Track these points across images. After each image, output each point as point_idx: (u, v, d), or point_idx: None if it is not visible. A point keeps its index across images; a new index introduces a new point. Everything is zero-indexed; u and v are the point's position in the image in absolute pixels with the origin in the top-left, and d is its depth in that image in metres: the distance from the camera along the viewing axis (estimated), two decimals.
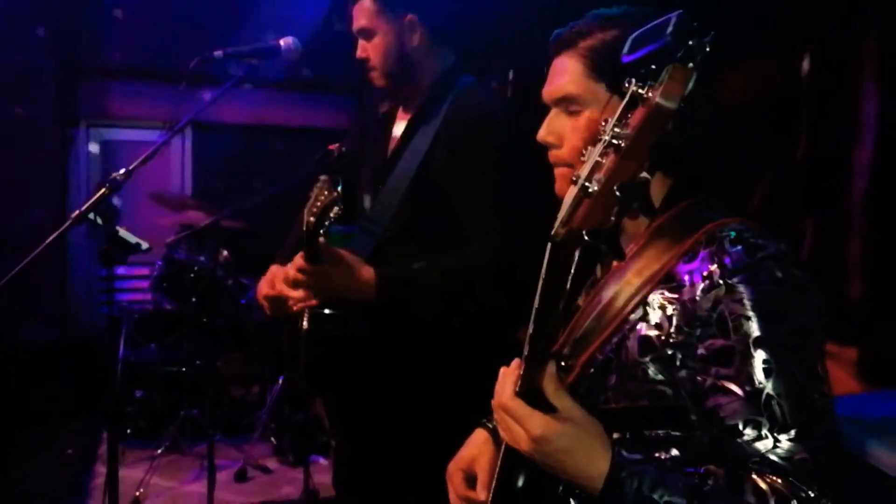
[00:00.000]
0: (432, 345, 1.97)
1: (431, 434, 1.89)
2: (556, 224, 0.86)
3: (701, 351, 1.04)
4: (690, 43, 0.74)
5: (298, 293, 1.87)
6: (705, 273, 1.04)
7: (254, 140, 4.97)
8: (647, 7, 1.21)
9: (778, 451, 0.97)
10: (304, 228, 1.75)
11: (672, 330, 1.07)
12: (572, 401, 1.01)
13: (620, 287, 1.14)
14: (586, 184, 0.79)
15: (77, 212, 2.00)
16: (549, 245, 0.88)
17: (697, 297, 1.04)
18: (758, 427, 0.98)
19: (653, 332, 1.09)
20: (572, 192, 0.84)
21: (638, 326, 1.11)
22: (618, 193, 0.77)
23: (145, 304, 4.45)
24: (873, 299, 2.00)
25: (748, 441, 0.99)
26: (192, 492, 3.68)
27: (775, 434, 0.97)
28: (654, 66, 0.77)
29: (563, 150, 1.19)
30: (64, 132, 4.55)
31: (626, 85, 0.78)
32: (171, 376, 4.09)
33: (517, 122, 2.11)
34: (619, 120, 0.79)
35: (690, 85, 0.76)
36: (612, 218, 0.78)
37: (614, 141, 0.77)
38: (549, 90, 1.21)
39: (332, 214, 1.73)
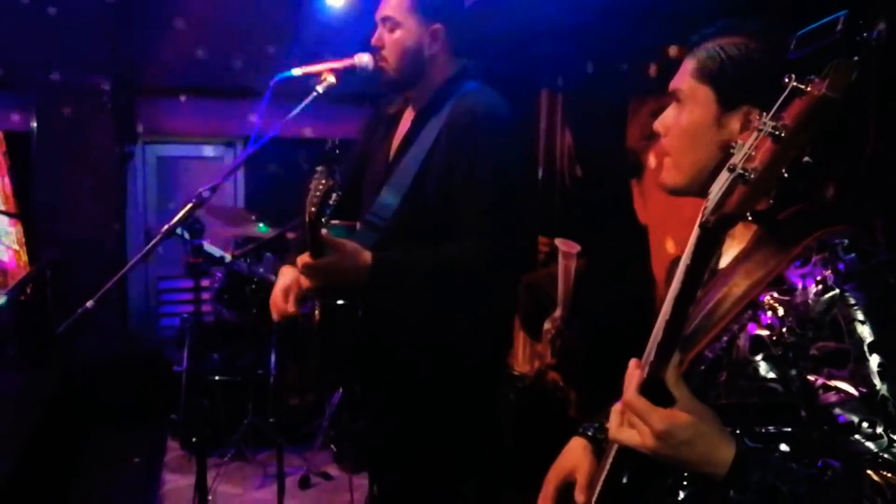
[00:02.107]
0: (434, 333, 2.06)
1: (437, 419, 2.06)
2: (706, 212, 0.91)
3: (813, 352, 1.08)
4: (857, 40, 0.80)
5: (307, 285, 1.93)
6: (819, 278, 1.08)
7: (302, 153, 5.06)
8: (771, 21, 1.26)
9: (893, 450, 1.00)
10: (307, 219, 1.79)
11: (784, 330, 1.11)
12: (690, 392, 1.06)
13: (729, 289, 1.19)
14: (742, 171, 0.83)
15: (167, 226, 2.08)
16: (697, 232, 0.92)
17: (810, 301, 1.08)
18: (873, 426, 1.02)
19: (764, 332, 1.14)
20: (722, 181, 0.88)
21: (749, 326, 1.16)
22: (785, 174, 0.81)
23: (205, 315, 4.55)
24: None
25: (862, 439, 1.02)
26: (259, 498, 3.76)
27: (890, 434, 1.01)
28: (818, 62, 0.82)
29: (665, 140, 1.27)
30: (123, 149, 4.67)
31: (787, 80, 0.83)
32: (233, 386, 4.18)
33: (521, 126, 2.17)
34: (775, 113, 0.85)
35: (853, 77, 0.81)
36: (771, 201, 0.84)
37: (772, 131, 0.82)
38: (671, 83, 1.28)
39: (331, 202, 1.77)
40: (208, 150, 5.10)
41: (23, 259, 4.42)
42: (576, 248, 3.80)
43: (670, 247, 3.11)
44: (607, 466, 1.27)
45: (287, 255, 2.39)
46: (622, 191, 3.43)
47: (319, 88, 2.15)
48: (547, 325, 4.01)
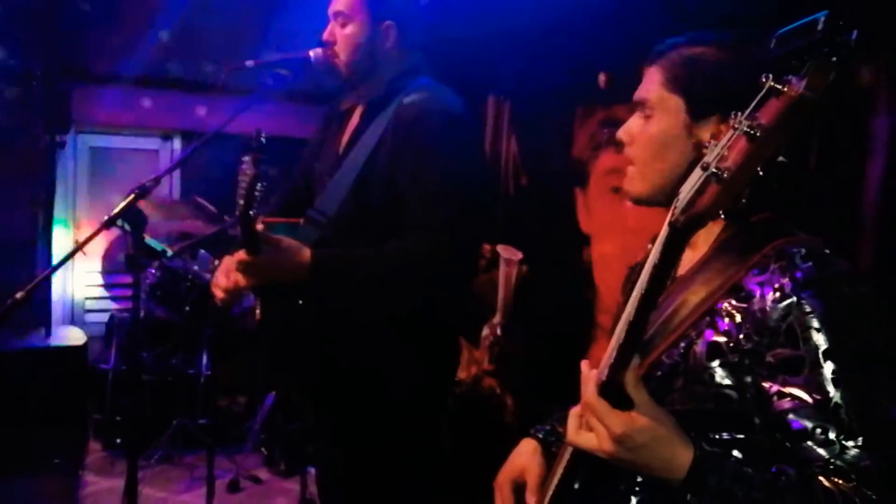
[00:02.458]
0: (371, 330, 2.00)
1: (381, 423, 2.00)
2: (676, 212, 0.90)
3: (769, 359, 1.09)
4: (838, 40, 0.80)
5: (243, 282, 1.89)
6: (776, 285, 1.10)
7: (242, 151, 4.93)
8: (733, 30, 1.27)
9: (844, 457, 1.01)
10: (237, 213, 1.76)
11: (741, 337, 1.12)
12: (649, 396, 1.05)
13: (687, 295, 1.19)
14: (716, 170, 0.83)
15: (107, 217, 1.99)
16: (666, 231, 0.92)
17: (768, 308, 1.09)
18: (825, 433, 1.03)
19: (721, 339, 1.15)
20: (694, 180, 0.88)
21: (706, 333, 1.17)
22: (760, 172, 0.81)
23: (128, 311, 4.40)
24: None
25: (815, 446, 1.03)
26: (185, 502, 3.64)
27: (842, 441, 1.02)
28: (795, 62, 0.82)
29: (630, 149, 1.27)
30: (53, 137, 4.49)
31: (763, 80, 0.83)
32: (162, 386, 4.05)
33: (474, 123, 2.16)
34: (750, 112, 0.84)
35: (832, 78, 0.82)
36: (744, 201, 0.84)
37: (748, 130, 0.82)
38: (635, 93, 1.28)
39: (256, 192, 1.72)
40: (145, 143, 4.94)
41: None
42: (518, 255, 3.81)
43: (616, 249, 3.15)
44: (560, 471, 1.27)
45: (230, 251, 2.33)
46: (566, 199, 3.46)
47: (271, 80, 2.10)
48: (485, 332, 4.01)
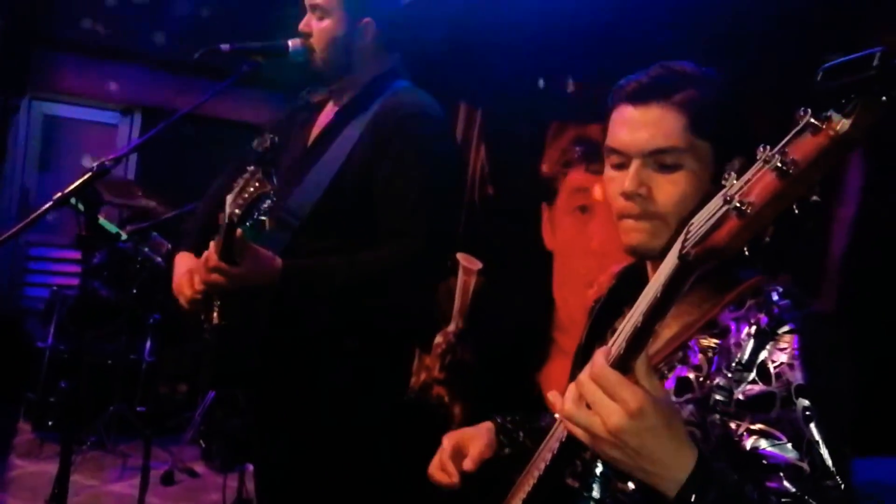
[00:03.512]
0: (336, 337, 1.97)
1: (336, 428, 1.95)
2: (687, 243, 0.85)
3: (738, 396, 1.06)
4: (890, 78, 0.75)
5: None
6: (752, 321, 1.08)
7: (204, 132, 4.83)
8: (715, 70, 1.24)
9: (823, 495, 0.99)
10: (227, 220, 1.72)
11: (713, 372, 1.10)
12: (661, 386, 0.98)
13: (660, 330, 1.16)
14: (740, 204, 0.78)
15: (60, 193, 1.89)
16: (675, 264, 0.87)
17: (742, 342, 1.08)
18: (799, 472, 1.00)
19: (692, 374, 1.13)
20: (710, 211, 0.83)
21: (677, 369, 1.14)
22: (796, 211, 0.77)
23: (71, 289, 4.25)
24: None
25: (786, 480, 1.00)
26: (116, 492, 3.52)
27: (819, 480, 0.99)
28: (844, 100, 0.77)
29: (654, 206, 1.17)
30: (7, 100, 4.31)
31: (801, 115, 0.77)
32: (101, 369, 3.91)
33: (450, 128, 2.14)
34: (783, 147, 0.78)
35: (877, 117, 0.77)
36: (767, 238, 0.79)
37: (780, 166, 0.76)
38: (643, 140, 1.17)
39: (263, 207, 1.71)
40: (103, 116, 4.78)
41: None
42: (477, 264, 3.78)
43: (580, 268, 3.12)
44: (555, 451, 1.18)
45: (183, 241, 2.25)
46: (531, 214, 3.43)
47: (245, 67, 2.04)
48: (438, 339, 3.97)
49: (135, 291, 3.75)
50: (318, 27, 2.02)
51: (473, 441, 1.41)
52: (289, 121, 2.29)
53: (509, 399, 3.39)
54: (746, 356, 1.06)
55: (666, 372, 1.13)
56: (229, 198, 1.72)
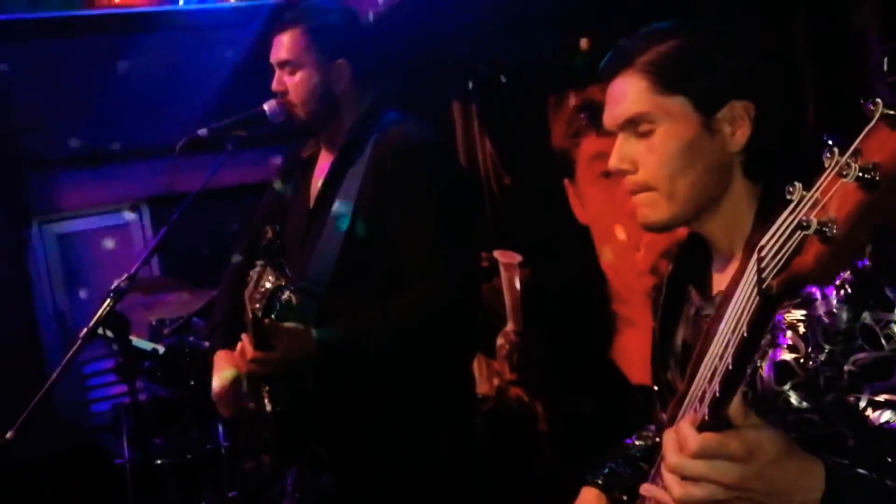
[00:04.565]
0: (390, 384, 1.95)
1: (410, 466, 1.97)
2: (765, 275, 0.75)
3: (849, 367, 0.96)
4: None
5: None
6: (838, 282, 0.96)
7: (209, 204, 4.79)
8: (694, 17, 1.16)
9: None
10: (252, 316, 1.75)
11: (810, 350, 0.99)
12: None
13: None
14: (821, 227, 0.67)
15: (85, 329, 1.86)
16: (757, 301, 0.77)
17: (834, 309, 0.97)
18: None
19: (789, 356, 1.01)
20: (780, 235, 0.73)
21: (770, 352, 1.03)
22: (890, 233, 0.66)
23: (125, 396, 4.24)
24: None
25: None
26: None
27: None
28: None
29: (640, 175, 1.12)
30: (17, 234, 4.33)
31: (871, 107, 0.65)
32: (183, 467, 3.90)
33: (451, 150, 2.10)
34: (854, 149, 0.66)
35: None
36: (867, 262, 0.69)
37: (861, 175, 0.64)
38: (613, 115, 1.13)
39: (283, 298, 1.77)
40: (111, 219, 4.77)
41: None
42: (516, 258, 3.69)
43: (621, 234, 3.01)
44: None
45: (214, 339, 2.25)
46: (556, 192, 3.33)
47: (230, 146, 2.00)
48: (500, 341, 3.89)
49: (192, 383, 3.73)
50: (291, 82, 1.97)
51: None
52: (283, 182, 2.25)
53: (588, 384, 3.29)
54: (844, 323, 0.95)
55: (759, 362, 1.03)
56: (246, 294, 1.70)
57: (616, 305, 3.12)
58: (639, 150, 1.12)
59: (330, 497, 3.87)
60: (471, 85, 3.83)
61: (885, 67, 0.69)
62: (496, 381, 3.98)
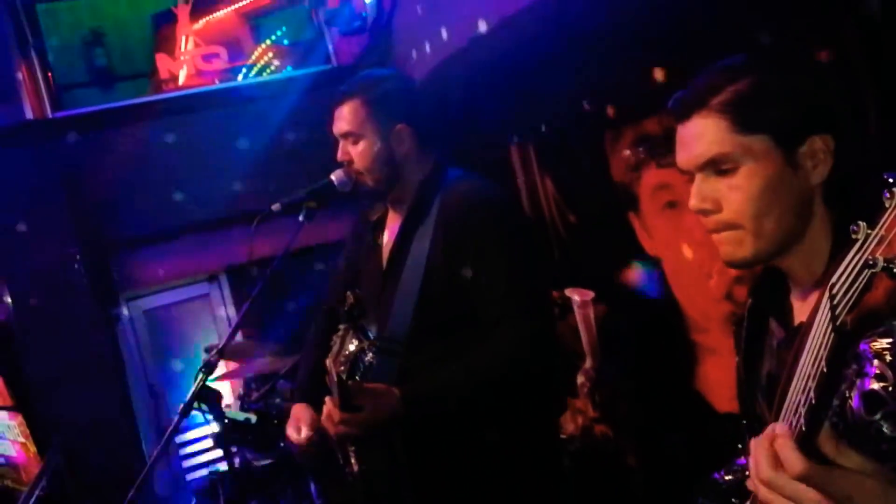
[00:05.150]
0: (476, 437, 1.96)
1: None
2: (838, 312, 0.77)
3: None
4: None
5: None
6: None
7: (287, 267, 4.92)
8: (740, 54, 1.18)
9: None
10: (337, 379, 1.77)
11: None
12: (858, 454, 0.92)
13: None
14: (888, 264, 0.70)
15: (182, 406, 1.94)
16: (831, 338, 0.79)
17: None
18: None
19: (877, 385, 1.01)
20: (849, 272, 0.75)
21: (858, 383, 1.03)
22: None
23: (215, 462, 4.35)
24: None
25: None
26: None
27: None
28: None
29: (724, 214, 1.13)
30: (108, 313, 4.53)
31: None
32: None
33: (515, 200, 2.11)
34: None
35: None
36: None
37: None
38: (692, 156, 1.15)
39: (367, 361, 1.79)
40: (193, 290, 4.97)
41: (31, 451, 4.23)
42: (589, 294, 3.68)
43: (692, 263, 2.99)
44: None
45: (296, 396, 2.32)
46: (622, 226, 3.33)
47: (302, 218, 2.07)
48: (581, 379, 3.87)
49: (282, 445, 3.80)
50: (355, 151, 2.03)
51: None
52: (354, 244, 2.31)
53: (674, 416, 3.25)
54: None
55: (847, 392, 1.03)
56: (329, 359, 1.75)
57: (695, 335, 3.09)
58: (720, 188, 1.13)
59: None
60: (525, 127, 3.88)
61: None
62: (580, 420, 3.95)
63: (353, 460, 1.96)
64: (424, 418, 1.88)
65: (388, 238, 2.14)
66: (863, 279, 0.73)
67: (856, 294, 0.74)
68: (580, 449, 3.78)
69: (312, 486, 4.00)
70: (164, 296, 4.94)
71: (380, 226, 2.19)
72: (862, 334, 0.79)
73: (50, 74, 4.82)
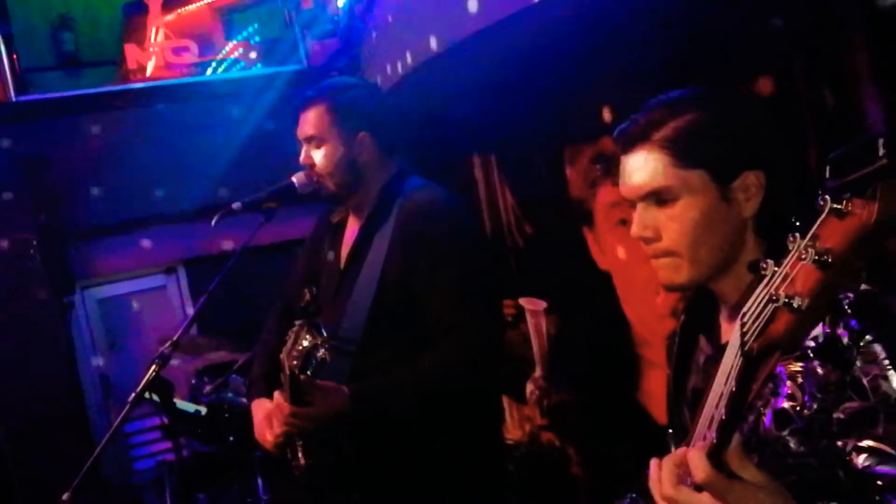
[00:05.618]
0: (420, 437, 2.04)
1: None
2: (747, 338, 0.85)
3: (839, 415, 1.05)
4: None
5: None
6: (832, 338, 1.06)
7: (245, 263, 4.93)
8: (695, 86, 1.25)
9: None
10: (290, 373, 1.84)
11: (806, 399, 1.07)
12: (760, 470, 0.97)
13: None
14: (788, 300, 0.78)
15: (133, 395, 1.98)
16: (740, 362, 0.87)
17: (828, 363, 1.05)
18: None
19: (787, 404, 1.10)
20: (758, 306, 0.83)
21: (772, 401, 1.12)
22: (848, 310, 0.77)
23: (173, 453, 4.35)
24: None
25: None
26: None
27: None
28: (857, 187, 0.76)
29: (664, 242, 1.21)
30: (62, 301, 4.50)
31: (822, 203, 0.78)
32: None
33: (472, 211, 2.18)
34: (812, 235, 0.78)
35: None
36: (827, 329, 0.79)
37: (818, 258, 0.77)
38: (635, 187, 1.21)
39: (319, 357, 1.85)
40: (149, 282, 4.95)
41: None
42: (542, 304, 3.77)
43: (640, 280, 3.09)
44: None
45: (252, 390, 2.35)
46: (576, 240, 3.42)
47: (262, 218, 2.13)
48: (530, 387, 3.95)
49: (232, 439, 3.82)
50: (318, 155, 2.10)
51: None
52: (314, 245, 2.36)
53: (618, 427, 3.35)
54: (836, 376, 1.05)
55: (762, 409, 1.12)
56: (284, 353, 1.80)
57: (640, 349, 3.19)
58: (660, 218, 1.20)
59: None
60: (489, 139, 3.96)
61: (828, 169, 0.79)
62: (528, 427, 4.04)
63: (300, 454, 2.01)
64: (371, 418, 1.94)
65: (347, 240, 2.20)
66: (768, 311, 0.82)
67: (761, 324, 0.83)
68: (525, 454, 3.86)
69: (259, 482, 4.02)
70: (120, 286, 4.92)
71: (341, 228, 2.25)
72: (767, 359, 0.86)
73: (15, 57, 4.76)
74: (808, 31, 2.17)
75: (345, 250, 2.19)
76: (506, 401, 4.14)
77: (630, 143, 1.22)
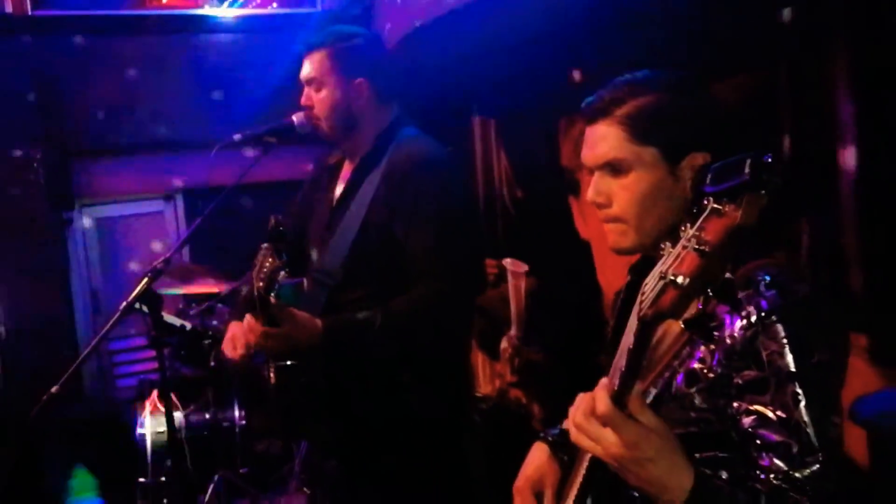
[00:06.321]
0: (390, 375, 2.14)
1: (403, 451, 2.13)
2: (643, 306, 0.98)
3: (737, 380, 1.20)
4: (764, 178, 0.88)
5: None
6: (743, 314, 1.20)
7: (243, 199, 5.03)
8: (667, 69, 1.36)
9: (804, 471, 1.12)
10: (256, 294, 1.91)
11: (713, 363, 1.22)
12: (656, 416, 1.10)
13: (668, 326, 1.28)
14: (674, 278, 0.91)
15: (125, 303, 2.10)
16: (637, 324, 1.00)
17: (736, 335, 1.20)
18: (788, 448, 1.13)
19: (697, 366, 1.25)
20: (655, 280, 0.96)
21: (687, 361, 1.26)
22: (710, 293, 0.90)
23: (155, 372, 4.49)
24: (874, 289, 2.15)
25: (778, 459, 1.14)
26: None
27: (804, 457, 1.12)
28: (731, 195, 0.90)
29: (614, 209, 1.32)
30: (61, 216, 4.60)
31: (706, 203, 0.91)
32: (200, 441, 4.14)
33: (459, 166, 2.26)
34: (699, 226, 0.92)
35: (762, 206, 0.90)
36: (700, 307, 0.92)
37: (697, 246, 0.90)
38: (592, 156, 1.33)
39: (279, 279, 1.88)
40: (147, 206, 5.05)
41: None
42: (524, 267, 3.90)
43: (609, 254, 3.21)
44: (577, 485, 1.34)
45: (233, 311, 2.45)
46: (562, 208, 3.54)
47: (261, 151, 2.22)
48: (504, 345, 4.10)
49: (213, 364, 3.97)
50: (316, 98, 2.19)
51: (546, 482, 1.52)
52: (311, 186, 2.46)
53: (581, 389, 3.49)
54: (741, 348, 1.18)
55: (677, 367, 1.25)
56: (252, 274, 1.89)
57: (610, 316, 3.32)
58: (613, 187, 1.31)
59: (334, 479, 4.10)
60: (490, 102, 4.05)
61: (709, 178, 0.95)
62: (497, 383, 4.19)
63: (271, 375, 2.12)
64: (340, 352, 2.04)
65: (341, 181, 2.30)
66: (659, 285, 0.95)
67: (653, 295, 0.96)
68: (493, 408, 4.02)
69: (236, 409, 4.18)
70: (118, 207, 5.01)
71: (337, 169, 2.35)
72: (657, 325, 1.00)
73: None
74: (797, 33, 2.27)
75: (338, 190, 2.29)
76: (479, 356, 4.29)
77: (594, 115, 1.32)
